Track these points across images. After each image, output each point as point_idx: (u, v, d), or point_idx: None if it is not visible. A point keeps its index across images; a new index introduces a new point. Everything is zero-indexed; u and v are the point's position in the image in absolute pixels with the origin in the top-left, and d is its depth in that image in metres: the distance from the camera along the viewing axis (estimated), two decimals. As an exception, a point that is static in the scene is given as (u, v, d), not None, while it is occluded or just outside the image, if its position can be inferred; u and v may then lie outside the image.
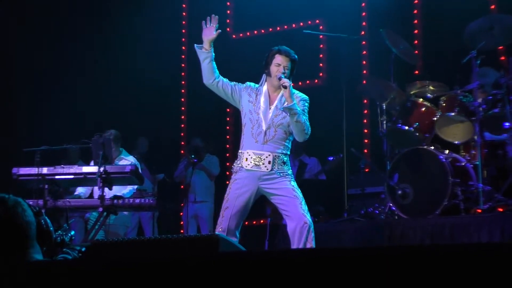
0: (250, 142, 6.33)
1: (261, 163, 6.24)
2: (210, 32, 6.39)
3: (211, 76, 6.39)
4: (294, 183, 6.29)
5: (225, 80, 6.45)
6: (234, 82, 6.48)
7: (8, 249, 3.17)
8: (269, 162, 6.23)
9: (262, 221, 10.24)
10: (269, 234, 9.15)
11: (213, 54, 6.38)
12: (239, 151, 6.41)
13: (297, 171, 10.43)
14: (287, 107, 6.15)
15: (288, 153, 6.41)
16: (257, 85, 6.50)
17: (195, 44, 6.46)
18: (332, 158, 10.08)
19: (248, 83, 6.51)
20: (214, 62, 6.39)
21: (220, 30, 6.41)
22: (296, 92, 6.42)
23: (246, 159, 6.28)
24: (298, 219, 6.13)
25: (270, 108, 6.35)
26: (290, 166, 6.46)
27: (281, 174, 6.26)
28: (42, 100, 12.38)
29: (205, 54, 6.37)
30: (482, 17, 8.18)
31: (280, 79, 6.21)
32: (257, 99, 6.40)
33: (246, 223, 10.48)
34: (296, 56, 6.45)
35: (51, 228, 3.42)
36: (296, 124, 6.22)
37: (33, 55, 12.50)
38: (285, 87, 6.14)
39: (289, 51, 6.43)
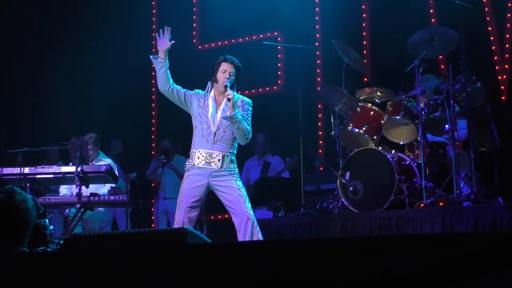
0: (201, 142, 6.40)
1: (211, 161, 6.33)
2: (164, 42, 6.46)
3: (167, 84, 6.46)
4: (239, 183, 6.41)
5: (179, 87, 6.53)
6: (185, 89, 6.55)
7: (3, 239, 3.13)
8: (219, 160, 6.33)
9: (220, 216, 10.25)
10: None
11: (168, 63, 6.42)
12: (191, 150, 6.49)
13: (261, 169, 10.45)
14: (229, 116, 6.24)
15: (235, 152, 6.52)
16: (203, 92, 6.58)
17: (151, 55, 6.52)
18: (288, 160, 10.10)
19: (196, 90, 6.61)
20: (168, 71, 6.45)
21: (173, 41, 6.46)
22: (241, 96, 6.51)
23: (198, 157, 6.37)
24: (242, 216, 6.25)
25: (217, 111, 6.43)
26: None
27: (230, 172, 6.37)
28: (23, 104, 12.26)
29: (161, 64, 6.42)
30: (424, 29, 8.24)
31: (226, 88, 6.29)
32: (205, 103, 6.49)
33: (219, 217, 10.51)
34: (239, 64, 6.54)
35: (47, 232, 3.38)
36: (238, 131, 6.34)
37: (12, 60, 12.37)
38: (229, 100, 6.20)
39: (234, 59, 6.53)
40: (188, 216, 6.31)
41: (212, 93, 6.52)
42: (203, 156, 6.34)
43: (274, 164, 10.55)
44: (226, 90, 6.29)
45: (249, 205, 6.30)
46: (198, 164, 6.35)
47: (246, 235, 6.17)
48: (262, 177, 10.22)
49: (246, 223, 6.19)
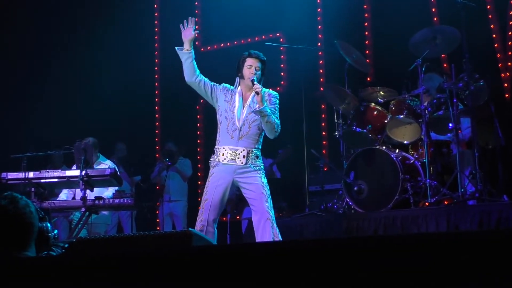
0: (226, 138, 6.33)
1: (236, 158, 6.26)
2: (189, 32, 6.36)
3: (193, 75, 6.36)
4: (264, 180, 6.32)
5: (206, 79, 6.44)
6: (213, 83, 6.48)
7: (9, 245, 3.15)
8: (244, 157, 6.26)
9: (224, 218, 10.25)
10: (230, 230, 9.16)
11: (193, 54, 6.35)
12: (216, 147, 6.40)
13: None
14: (258, 110, 6.18)
15: (260, 147, 6.44)
16: (232, 87, 6.50)
17: (176, 47, 6.41)
18: (281, 151, 10.10)
19: (224, 84, 6.53)
20: (195, 62, 6.35)
21: (198, 31, 6.41)
22: (267, 90, 6.46)
23: (223, 154, 6.29)
24: (261, 214, 6.17)
25: (244, 107, 6.38)
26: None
27: (255, 167, 6.29)
28: (27, 109, 12.28)
29: (187, 55, 6.33)
30: (426, 28, 8.23)
31: (253, 83, 6.24)
32: (232, 99, 6.41)
33: (222, 219, 10.51)
34: (265, 58, 6.49)
35: (51, 234, 3.40)
36: (267, 124, 6.27)
37: (17, 64, 12.39)
38: (257, 93, 6.16)
39: (259, 53, 6.47)
40: (213, 215, 6.24)
41: (239, 89, 6.46)
42: (228, 152, 6.27)
43: (265, 165, 10.55)
44: (253, 85, 6.23)
45: (270, 204, 6.21)
46: (223, 160, 6.27)
47: (265, 235, 6.10)
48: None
49: (265, 222, 6.12)
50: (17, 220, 3.17)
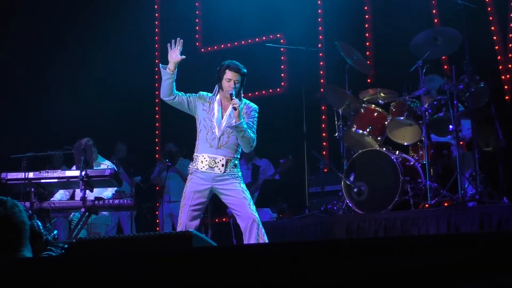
0: (205, 146, 6.39)
1: (215, 166, 6.32)
2: (175, 55, 6.36)
3: (170, 94, 6.40)
4: (243, 185, 6.40)
5: (180, 94, 6.46)
6: (189, 94, 6.50)
7: (4, 246, 3.17)
8: (223, 165, 6.32)
9: (224, 219, 10.25)
10: (235, 233, 9.14)
11: (175, 75, 6.36)
12: (195, 154, 6.47)
13: (251, 173, 10.44)
14: (235, 125, 6.23)
15: (239, 156, 6.51)
16: (210, 94, 6.52)
17: (161, 64, 6.43)
18: (283, 161, 10.10)
19: (201, 92, 6.55)
20: (174, 82, 6.38)
21: (184, 56, 6.38)
22: (247, 102, 6.50)
23: (202, 161, 6.36)
24: (247, 218, 6.24)
25: (223, 117, 6.40)
26: (241, 169, 6.53)
27: (233, 176, 6.36)
28: (26, 109, 12.28)
29: (169, 75, 6.35)
30: (427, 30, 8.23)
31: (231, 97, 6.25)
32: (211, 107, 6.45)
33: (217, 220, 10.51)
34: (245, 70, 6.47)
35: (43, 231, 3.42)
36: (242, 139, 6.34)
37: (16, 65, 12.38)
38: (235, 109, 6.18)
39: (238, 66, 6.42)
40: (191, 219, 6.31)
41: (218, 97, 6.48)
42: (206, 160, 6.33)
43: (264, 167, 10.54)
44: (232, 99, 6.25)
45: (253, 207, 6.30)
46: (201, 168, 6.34)
47: (252, 237, 6.17)
48: (267, 179, 10.20)
49: (252, 225, 6.19)
50: (9, 221, 3.20)
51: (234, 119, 6.25)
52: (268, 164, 10.58)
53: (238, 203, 6.29)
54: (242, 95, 6.55)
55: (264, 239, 6.24)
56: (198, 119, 6.49)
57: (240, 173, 6.47)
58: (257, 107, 6.54)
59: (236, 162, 6.43)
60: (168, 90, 6.38)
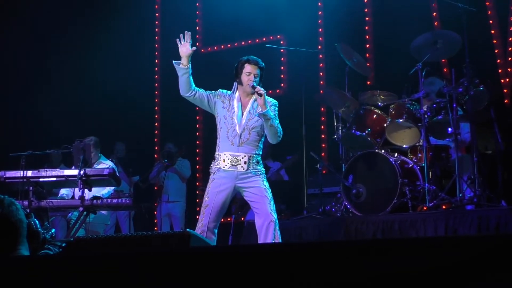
0: (226, 144, 6.30)
1: (237, 164, 6.24)
2: (186, 48, 6.29)
3: (188, 89, 6.31)
4: (266, 183, 6.31)
5: (201, 90, 6.39)
6: (209, 91, 6.44)
7: (1, 244, 3.17)
8: (245, 163, 6.24)
9: (229, 219, 10.22)
10: (233, 231, 9.13)
11: (191, 69, 6.30)
12: (216, 153, 6.37)
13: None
14: (262, 113, 6.17)
15: (261, 153, 6.42)
16: (229, 92, 6.46)
17: (174, 61, 6.34)
18: (289, 157, 10.13)
19: (220, 90, 6.48)
20: (191, 76, 6.32)
21: (195, 48, 6.35)
22: (267, 97, 6.43)
23: (224, 160, 6.27)
24: (265, 217, 6.15)
25: (243, 113, 6.34)
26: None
27: (256, 173, 6.28)
28: (25, 108, 12.27)
29: (184, 70, 6.27)
30: (427, 33, 8.24)
31: (254, 87, 6.20)
32: (231, 104, 6.38)
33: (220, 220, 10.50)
34: (263, 64, 6.43)
35: (40, 229, 3.42)
36: (270, 128, 6.25)
37: (15, 63, 12.38)
38: (260, 95, 6.13)
39: (257, 60, 6.41)
40: (214, 220, 6.22)
41: (237, 94, 6.43)
42: (228, 159, 6.25)
43: (274, 168, 10.56)
44: (254, 88, 6.19)
45: (273, 207, 6.20)
46: (224, 167, 6.25)
47: (268, 237, 6.08)
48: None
49: (269, 224, 6.10)
50: (6, 219, 3.20)
51: (260, 108, 6.20)
52: (278, 167, 10.58)
53: (258, 201, 6.21)
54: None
55: (279, 241, 6.17)
56: (218, 117, 6.41)
57: (263, 170, 6.40)
58: (276, 102, 6.48)
59: (259, 158, 6.34)
60: (186, 85, 6.30)
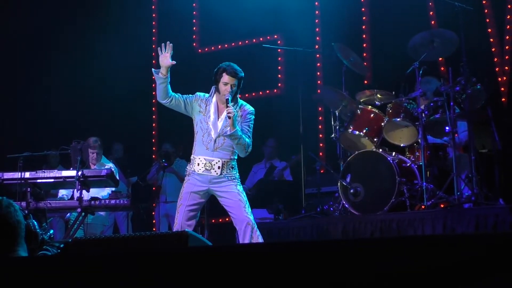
0: (201, 148, 6.40)
1: (211, 168, 6.33)
2: (167, 60, 6.35)
3: (165, 97, 6.43)
4: (240, 187, 6.41)
5: (177, 95, 6.46)
6: (185, 96, 6.49)
7: (1, 246, 3.17)
8: (219, 167, 6.33)
9: (220, 220, 10.23)
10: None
11: (169, 78, 6.38)
12: (192, 156, 6.49)
13: (266, 172, 10.46)
14: (230, 134, 6.23)
15: (236, 157, 6.49)
16: (207, 95, 6.50)
17: (153, 69, 6.46)
18: (294, 157, 10.16)
19: (197, 93, 6.54)
20: (169, 85, 6.40)
21: (174, 62, 6.35)
22: (244, 104, 6.48)
23: (198, 164, 6.38)
24: (241, 221, 6.28)
25: (219, 119, 6.38)
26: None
27: (229, 178, 6.38)
28: (23, 109, 12.27)
29: (162, 79, 6.37)
30: (424, 32, 8.24)
31: (227, 102, 6.22)
32: (207, 109, 6.43)
33: (220, 220, 10.50)
34: (242, 74, 6.41)
35: (38, 230, 3.42)
36: (237, 146, 6.35)
37: (13, 65, 12.37)
38: (229, 117, 6.17)
39: (236, 70, 6.37)
40: (187, 219, 6.36)
41: (214, 99, 6.46)
42: (203, 163, 6.35)
43: (280, 168, 10.56)
44: (227, 105, 6.21)
45: (249, 209, 6.31)
46: (198, 170, 6.36)
47: (245, 239, 6.20)
48: (263, 179, 10.22)
49: (246, 227, 6.22)
50: (4, 220, 3.20)
51: (229, 127, 6.25)
52: (284, 166, 10.57)
53: (233, 206, 6.32)
54: (239, 96, 6.54)
55: (259, 240, 6.25)
56: (195, 121, 6.50)
57: (238, 175, 6.47)
58: (253, 109, 6.51)
59: (233, 164, 6.43)
60: (163, 93, 6.41)
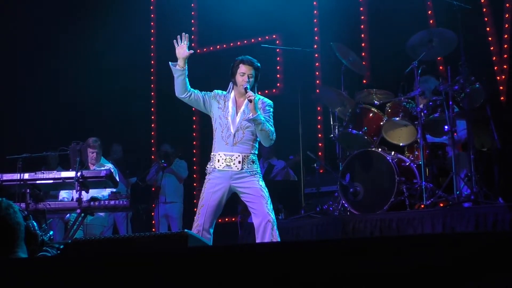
0: (221, 144, 6.32)
1: (232, 163, 6.24)
2: (183, 50, 6.30)
3: (184, 91, 6.34)
4: (262, 183, 6.31)
5: (196, 91, 6.41)
6: (204, 92, 6.45)
7: (0, 247, 3.17)
8: (239, 162, 6.24)
9: (233, 218, 10.22)
10: (241, 231, 9.12)
11: (187, 71, 6.31)
12: (212, 153, 6.39)
13: (265, 171, 10.46)
14: (252, 118, 6.16)
15: (256, 152, 6.41)
16: (224, 92, 6.47)
17: (170, 62, 6.35)
18: (292, 157, 10.14)
19: (215, 91, 6.49)
20: (187, 78, 6.33)
21: (192, 51, 6.36)
22: (261, 97, 6.44)
23: (218, 160, 6.28)
24: (263, 217, 6.15)
25: (237, 113, 6.35)
26: (259, 166, 6.48)
27: (251, 172, 6.28)
28: (22, 110, 12.26)
29: (180, 72, 6.29)
30: (422, 31, 8.25)
31: (246, 90, 6.20)
32: (226, 105, 6.39)
33: (220, 220, 10.51)
34: (259, 64, 6.42)
35: (38, 231, 3.42)
36: (261, 133, 6.26)
37: (11, 66, 12.37)
38: (250, 101, 6.14)
39: (252, 60, 6.39)
40: (209, 220, 6.23)
41: (232, 94, 6.43)
42: (223, 158, 6.26)
43: (278, 167, 10.56)
44: (246, 92, 6.20)
45: (270, 206, 6.20)
46: (218, 167, 6.27)
47: (265, 237, 6.08)
48: (266, 179, 10.22)
49: (266, 224, 6.10)
50: (3, 222, 3.20)
51: (250, 113, 6.20)
52: (284, 166, 10.57)
53: (255, 201, 6.21)
54: (259, 93, 6.51)
55: (277, 239, 6.15)
56: (214, 118, 6.43)
57: (259, 169, 6.40)
58: (271, 102, 6.49)
59: (254, 158, 6.34)
60: (182, 87, 6.33)
